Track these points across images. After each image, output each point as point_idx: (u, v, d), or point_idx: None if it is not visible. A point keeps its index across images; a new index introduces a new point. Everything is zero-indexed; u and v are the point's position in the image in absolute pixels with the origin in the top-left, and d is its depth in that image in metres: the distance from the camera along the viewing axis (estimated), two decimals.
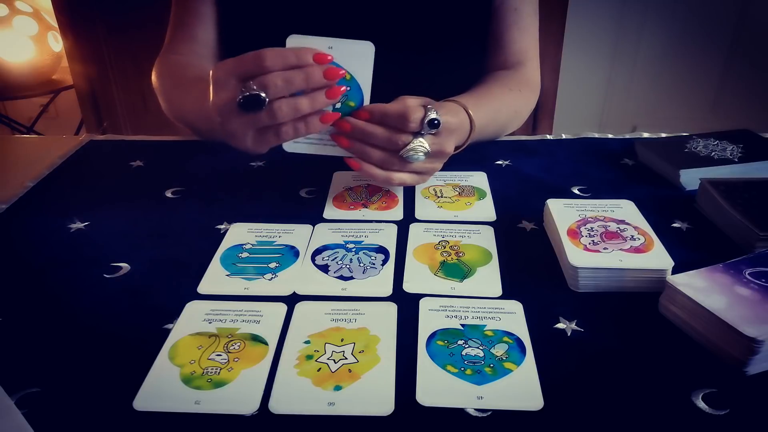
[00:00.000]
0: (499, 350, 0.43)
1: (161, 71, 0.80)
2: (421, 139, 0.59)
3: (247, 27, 0.79)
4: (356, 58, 0.58)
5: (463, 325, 0.46)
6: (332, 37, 0.57)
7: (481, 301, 0.49)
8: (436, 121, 0.59)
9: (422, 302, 0.49)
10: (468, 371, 0.42)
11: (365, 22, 0.75)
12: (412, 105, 0.59)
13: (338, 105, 0.60)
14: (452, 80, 0.72)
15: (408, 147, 0.59)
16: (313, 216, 0.63)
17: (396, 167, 0.61)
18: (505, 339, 0.45)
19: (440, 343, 0.44)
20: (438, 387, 0.40)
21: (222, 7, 0.81)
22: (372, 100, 0.61)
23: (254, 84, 0.53)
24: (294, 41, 0.57)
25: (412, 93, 0.62)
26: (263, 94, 0.53)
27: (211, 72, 0.56)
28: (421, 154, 0.60)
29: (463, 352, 0.43)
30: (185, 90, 0.73)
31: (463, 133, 0.66)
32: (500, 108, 0.76)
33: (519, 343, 0.44)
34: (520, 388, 0.40)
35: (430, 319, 0.47)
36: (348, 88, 0.59)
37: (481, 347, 0.44)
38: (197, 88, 0.67)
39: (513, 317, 0.47)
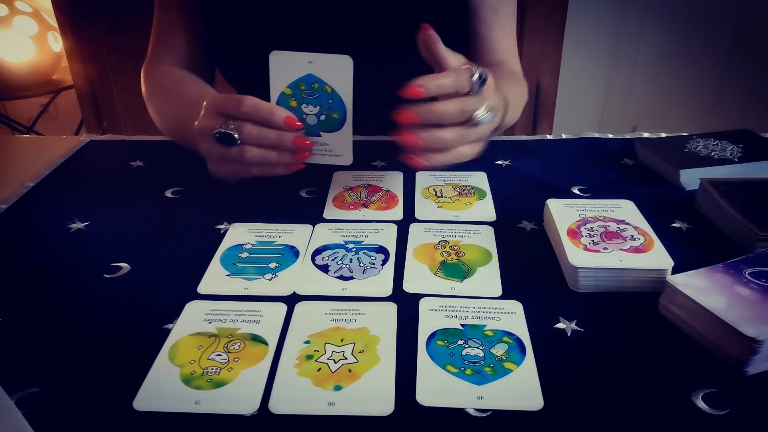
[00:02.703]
0: (499, 350, 0.43)
1: (149, 83, 0.82)
2: (481, 98, 0.57)
3: (229, 35, 0.80)
4: (336, 71, 0.61)
5: (463, 325, 0.46)
6: (312, 53, 0.60)
7: (481, 301, 0.49)
8: (483, 76, 0.57)
9: (422, 302, 0.49)
10: (468, 371, 0.42)
11: (344, 29, 0.75)
12: (456, 66, 0.57)
13: (322, 118, 0.62)
14: None
15: (479, 111, 0.57)
16: (313, 216, 0.63)
17: (468, 139, 0.58)
18: (505, 339, 0.45)
19: (440, 343, 0.44)
20: (438, 387, 0.40)
21: (203, 15, 0.81)
22: (354, 107, 0.62)
23: (233, 124, 0.59)
24: (276, 57, 0.61)
25: (395, 98, 0.61)
26: (236, 135, 0.59)
27: (206, 101, 0.61)
28: (490, 113, 0.57)
29: (463, 352, 0.43)
30: (172, 104, 0.76)
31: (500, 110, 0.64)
32: (510, 90, 0.73)
33: (519, 343, 0.44)
34: (520, 388, 0.40)
35: (430, 319, 0.47)
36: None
37: (481, 347, 0.44)
38: (182, 105, 0.71)
39: (513, 317, 0.47)
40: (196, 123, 0.61)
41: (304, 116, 0.62)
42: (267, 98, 0.62)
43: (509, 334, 0.45)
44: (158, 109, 0.80)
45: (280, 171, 0.62)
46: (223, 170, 0.63)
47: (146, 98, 0.82)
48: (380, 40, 0.76)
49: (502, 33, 0.82)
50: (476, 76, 0.57)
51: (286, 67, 0.61)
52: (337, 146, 0.63)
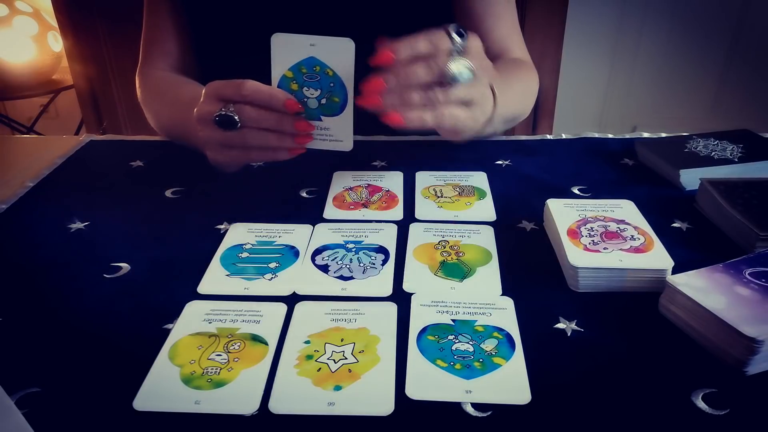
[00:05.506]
0: (488, 345, 0.44)
1: (144, 87, 0.81)
2: (457, 56, 0.55)
3: (220, 33, 0.80)
4: (338, 54, 0.60)
5: (454, 321, 0.46)
6: (314, 35, 0.60)
7: (473, 296, 0.49)
8: (461, 30, 0.55)
9: (414, 298, 0.49)
10: (457, 366, 0.42)
11: (336, 31, 0.75)
12: (430, 31, 0.55)
13: (323, 101, 0.62)
14: None
15: (451, 67, 0.54)
16: (313, 216, 0.63)
17: (441, 99, 0.55)
18: (495, 334, 0.45)
19: (431, 338, 0.44)
20: (427, 381, 0.41)
21: (193, 17, 0.81)
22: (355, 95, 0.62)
23: (233, 107, 0.59)
24: (278, 40, 0.61)
25: None
26: (237, 117, 0.59)
27: (205, 88, 0.62)
28: (466, 69, 0.55)
29: (453, 347, 0.43)
30: (169, 105, 0.76)
31: (488, 104, 0.62)
32: (516, 84, 0.72)
33: (509, 338, 0.44)
34: (508, 383, 0.40)
35: (421, 315, 0.47)
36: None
37: (470, 342, 0.44)
38: (179, 104, 0.71)
39: (504, 313, 0.47)
40: (195, 110, 0.61)
41: (305, 99, 0.62)
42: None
43: (499, 329, 0.45)
44: (155, 111, 0.80)
45: (281, 156, 0.62)
46: (223, 157, 0.62)
47: (142, 102, 0.82)
48: (375, 36, 0.76)
49: (497, 22, 0.79)
50: (452, 29, 0.55)
51: (287, 49, 0.61)
52: (338, 131, 0.63)
